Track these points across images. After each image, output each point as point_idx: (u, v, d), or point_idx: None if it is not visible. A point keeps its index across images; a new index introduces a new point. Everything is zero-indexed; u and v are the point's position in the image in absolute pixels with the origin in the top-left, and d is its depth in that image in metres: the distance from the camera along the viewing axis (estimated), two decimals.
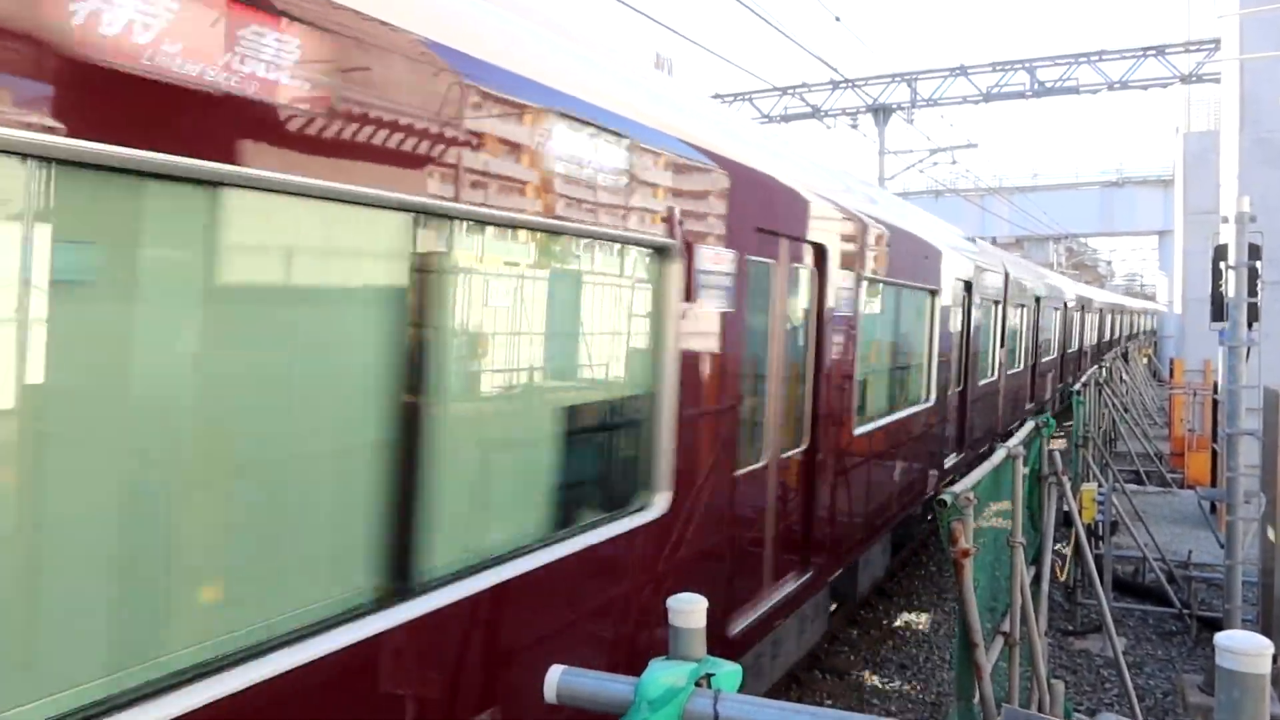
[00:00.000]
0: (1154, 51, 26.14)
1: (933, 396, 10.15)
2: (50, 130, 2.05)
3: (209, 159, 2.37)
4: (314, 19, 2.63)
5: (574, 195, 3.76)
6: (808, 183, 6.32)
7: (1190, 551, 10.84)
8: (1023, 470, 5.25)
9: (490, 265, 3.52)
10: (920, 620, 9.83)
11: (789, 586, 6.21)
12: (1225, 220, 8.53)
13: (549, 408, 3.98)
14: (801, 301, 6.41)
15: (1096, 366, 13.16)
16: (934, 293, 10.08)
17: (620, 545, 4.18)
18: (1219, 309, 8.25)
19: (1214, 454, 13.70)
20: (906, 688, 8.10)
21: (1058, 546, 9.22)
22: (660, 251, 4.51)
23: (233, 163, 2.42)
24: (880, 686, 8.10)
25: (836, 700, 7.74)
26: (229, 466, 2.62)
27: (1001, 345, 14.76)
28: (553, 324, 3.95)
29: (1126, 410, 19.67)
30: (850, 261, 7.09)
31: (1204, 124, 27.57)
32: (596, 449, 4.38)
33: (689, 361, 4.70)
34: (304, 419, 2.81)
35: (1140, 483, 16.58)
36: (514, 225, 3.55)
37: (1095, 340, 34.12)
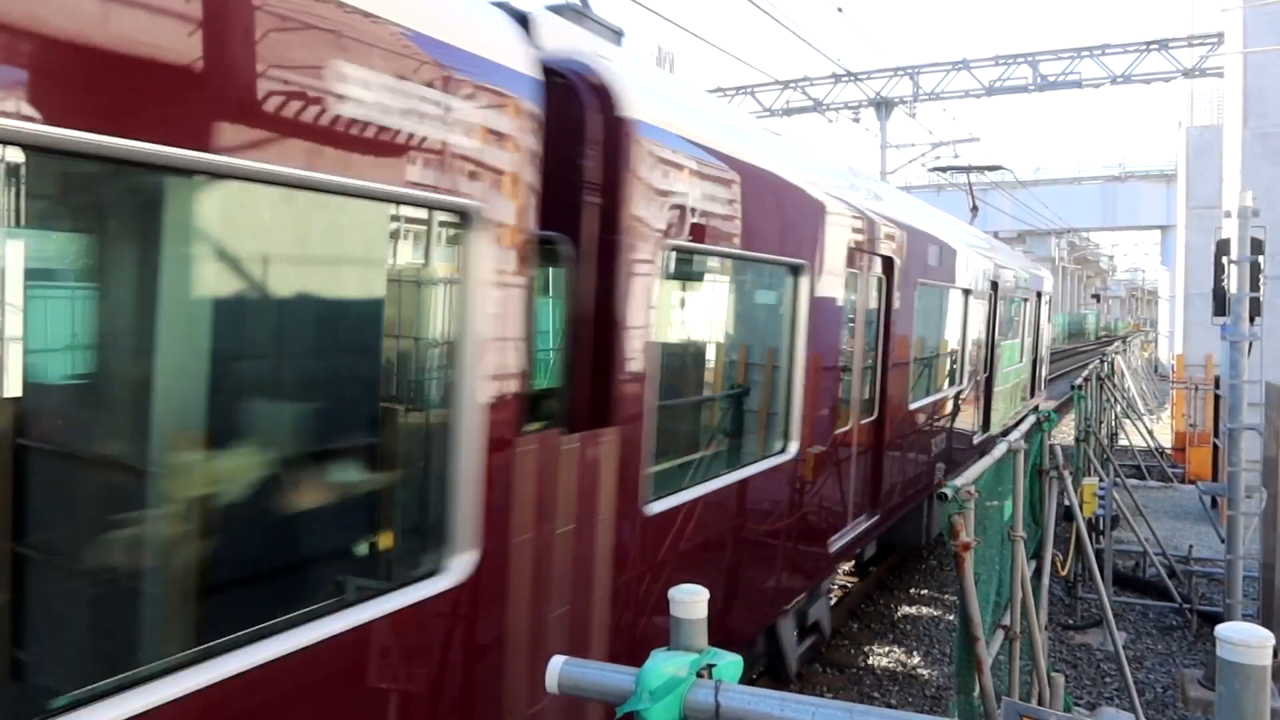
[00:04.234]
0: (1157, 46, 25.99)
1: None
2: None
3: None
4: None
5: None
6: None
7: (1191, 546, 10.85)
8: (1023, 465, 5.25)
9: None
10: (921, 614, 9.84)
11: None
12: (1228, 215, 8.53)
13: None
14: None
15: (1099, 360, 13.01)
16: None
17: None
18: (1221, 304, 8.24)
19: (1215, 449, 13.68)
20: (907, 681, 8.11)
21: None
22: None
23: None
24: (881, 680, 8.11)
25: (837, 693, 7.75)
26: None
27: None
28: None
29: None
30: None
31: (1207, 118, 27.45)
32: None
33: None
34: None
35: (1141, 477, 16.58)
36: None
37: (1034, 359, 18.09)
